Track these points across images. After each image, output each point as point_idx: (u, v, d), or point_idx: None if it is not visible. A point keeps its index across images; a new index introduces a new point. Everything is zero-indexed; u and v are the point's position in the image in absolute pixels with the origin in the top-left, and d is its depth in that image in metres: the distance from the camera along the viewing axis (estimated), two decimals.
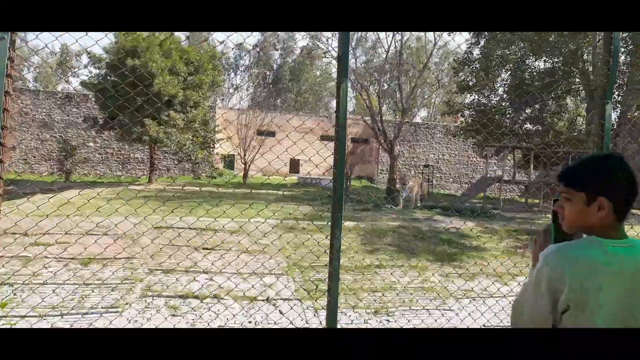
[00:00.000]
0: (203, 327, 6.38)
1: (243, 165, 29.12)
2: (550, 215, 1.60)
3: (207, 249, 9.45)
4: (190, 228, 10.01)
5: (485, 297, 8.84)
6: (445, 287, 8.54)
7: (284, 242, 9.95)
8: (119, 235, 9.85)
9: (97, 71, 22.59)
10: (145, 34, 19.64)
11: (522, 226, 13.70)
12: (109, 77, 21.78)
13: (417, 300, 8.23)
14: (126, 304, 7.03)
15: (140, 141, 21.85)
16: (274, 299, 8.38)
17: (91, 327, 6.07)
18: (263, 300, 7.48)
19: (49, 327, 5.92)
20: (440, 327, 6.81)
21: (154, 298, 7.61)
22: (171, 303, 7.24)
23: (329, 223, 2.58)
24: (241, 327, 6.49)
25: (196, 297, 7.71)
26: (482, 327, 6.75)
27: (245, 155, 28.47)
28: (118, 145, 33.08)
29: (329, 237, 2.75)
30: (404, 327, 6.59)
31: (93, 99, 26.78)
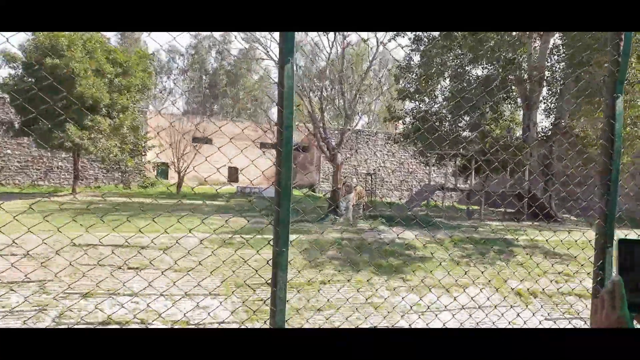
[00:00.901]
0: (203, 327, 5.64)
1: (177, 174, 27.93)
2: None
3: (132, 268, 8.66)
4: (112, 245, 9.16)
5: (435, 311, 8.62)
6: (395, 305, 8.25)
7: (220, 259, 9.31)
8: (29, 255, 8.85)
9: (13, 71, 20.85)
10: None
11: (466, 234, 13.77)
12: (25, 78, 20.14)
13: (366, 319, 7.88)
14: None
15: (62, 148, 20.34)
16: (210, 323, 7.74)
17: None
18: (195, 325, 6.87)
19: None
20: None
21: (69, 327, 6.79)
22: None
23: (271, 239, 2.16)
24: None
25: (118, 324, 6.96)
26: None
27: (179, 163, 27.27)
28: (39, 153, 30.89)
29: (266, 251, 2.41)
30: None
31: (8, 102, 24.78)
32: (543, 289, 9.70)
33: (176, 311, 7.45)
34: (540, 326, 8.12)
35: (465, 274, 8.61)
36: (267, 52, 21.27)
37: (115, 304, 7.59)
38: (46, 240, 8.86)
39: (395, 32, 20.72)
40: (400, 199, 35.94)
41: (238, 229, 12.13)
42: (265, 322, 7.49)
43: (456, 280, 9.66)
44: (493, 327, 7.22)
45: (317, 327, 7.27)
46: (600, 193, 2.20)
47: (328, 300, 8.18)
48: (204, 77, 63.64)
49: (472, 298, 7.28)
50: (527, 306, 9.32)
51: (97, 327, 6.78)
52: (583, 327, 8.62)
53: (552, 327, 8.58)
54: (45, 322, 6.71)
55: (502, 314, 8.77)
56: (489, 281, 10.17)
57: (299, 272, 9.48)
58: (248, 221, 14.57)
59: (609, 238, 2.16)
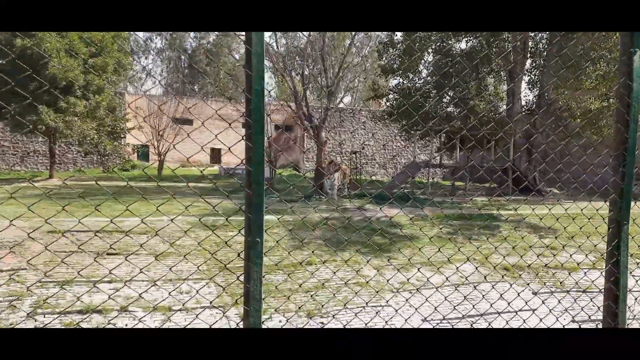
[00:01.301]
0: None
1: (158, 156, 27.43)
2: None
3: (112, 254, 8.39)
4: (90, 231, 8.89)
5: (422, 288, 8.53)
6: (388, 281, 8.12)
7: (203, 242, 9.09)
8: (1, 243, 8.57)
9: None
10: None
11: (451, 211, 13.71)
12: None
13: (352, 299, 7.75)
14: (10, 325, 5.95)
15: (36, 131, 19.74)
16: (193, 308, 7.56)
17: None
18: (180, 309, 6.66)
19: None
20: (388, 326, 6.34)
21: (46, 316, 6.55)
22: (67, 320, 6.25)
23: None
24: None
25: (99, 312, 6.74)
26: (438, 322, 6.37)
27: (159, 145, 26.74)
28: (15, 137, 30.12)
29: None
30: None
31: None
32: (534, 265, 9.69)
33: (158, 296, 7.25)
34: (529, 303, 8.09)
35: (459, 250, 8.51)
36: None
37: (96, 291, 7.35)
38: (21, 227, 8.55)
39: None
40: (383, 177, 35.91)
41: (221, 212, 11.90)
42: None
43: (448, 259, 9.59)
44: (491, 327, 7.12)
45: (303, 312, 7.13)
46: (614, 164, 1.99)
47: (314, 277, 8.03)
48: (182, 57, 62.47)
49: (458, 268, 7.19)
50: (513, 282, 9.29)
51: (77, 318, 6.55)
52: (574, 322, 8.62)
53: (542, 301, 8.56)
54: (21, 311, 6.47)
55: (491, 289, 8.73)
56: (471, 256, 10.13)
57: (283, 253, 9.31)
58: (234, 202, 14.34)
59: (625, 214, 1.96)
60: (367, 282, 8.53)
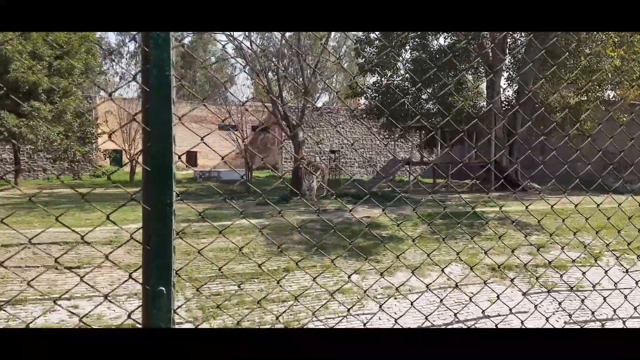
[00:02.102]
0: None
1: (130, 162, 26.51)
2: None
3: (71, 268, 7.74)
4: (48, 243, 8.23)
5: (408, 293, 8.09)
6: (365, 289, 7.65)
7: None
8: None
9: None
10: None
11: (434, 209, 13.31)
12: None
13: (333, 308, 7.27)
14: None
15: None
16: None
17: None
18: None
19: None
20: None
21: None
22: None
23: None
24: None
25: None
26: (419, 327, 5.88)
27: (131, 149, 25.84)
28: None
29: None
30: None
31: None
32: (520, 265, 9.32)
33: (121, 313, 6.65)
34: (521, 304, 7.71)
35: (456, 249, 8.10)
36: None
37: (50, 309, 6.71)
38: None
39: None
40: (363, 176, 35.53)
41: (194, 217, 11.32)
42: (223, 319, 6.78)
43: (434, 260, 9.15)
44: (488, 327, 6.74)
45: (274, 324, 6.61)
46: None
47: (292, 286, 7.53)
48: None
49: (442, 270, 6.75)
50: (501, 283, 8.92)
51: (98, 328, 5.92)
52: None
53: (531, 302, 8.18)
54: None
55: (480, 291, 8.34)
56: (457, 255, 9.71)
57: (259, 260, 8.77)
58: (208, 206, 13.70)
59: None
60: (350, 287, 8.06)
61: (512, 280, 6.24)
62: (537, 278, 9.01)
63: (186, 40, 59.14)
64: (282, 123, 19.91)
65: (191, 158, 38.47)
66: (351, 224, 11.43)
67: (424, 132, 23.09)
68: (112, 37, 75.87)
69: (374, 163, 37.64)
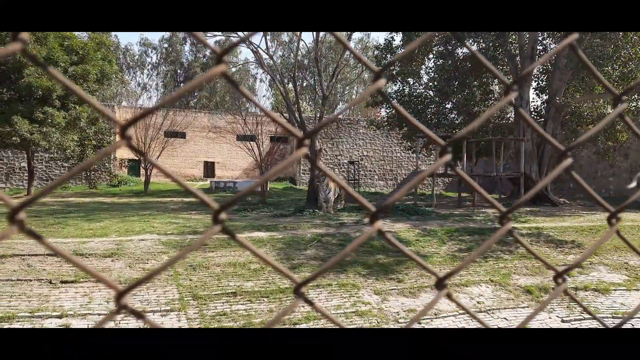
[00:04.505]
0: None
1: (145, 171, 26.20)
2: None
3: (66, 282, 7.18)
4: (43, 255, 7.69)
5: (433, 317, 7.34)
6: (384, 311, 6.94)
7: (177, 265, 7.87)
8: None
9: None
10: None
11: (461, 224, 12.51)
12: None
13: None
14: None
15: (10, 145, 18.57)
16: None
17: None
18: None
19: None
20: None
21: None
22: None
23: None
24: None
25: None
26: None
27: (145, 159, 25.59)
28: (0, 154, 29.07)
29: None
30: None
31: None
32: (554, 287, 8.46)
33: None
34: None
35: (487, 269, 7.36)
36: (247, 43, 19.62)
37: (40, 327, 6.12)
38: None
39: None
40: (382, 189, 34.74)
41: (202, 229, 10.74)
42: None
43: (462, 280, 8.38)
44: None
45: None
46: None
47: (305, 307, 6.85)
48: (178, 70, 61.71)
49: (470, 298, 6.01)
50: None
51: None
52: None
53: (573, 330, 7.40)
54: None
55: (514, 316, 7.53)
56: (488, 277, 8.90)
57: (269, 276, 8.11)
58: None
59: None
60: (370, 310, 7.34)
61: (546, 302, 5.48)
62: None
63: (207, 52, 59.38)
64: (294, 131, 19.31)
65: (209, 168, 38.19)
66: (371, 238, 10.73)
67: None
68: (135, 48, 76.80)
69: (394, 176, 36.83)
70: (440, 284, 0.85)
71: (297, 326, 6.54)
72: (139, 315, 0.77)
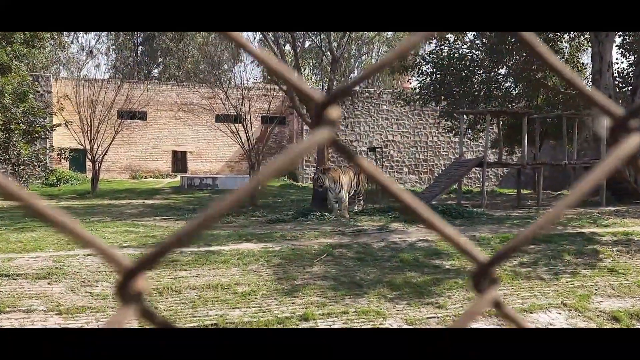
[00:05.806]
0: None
1: (92, 164, 26.23)
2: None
3: None
4: None
5: None
6: None
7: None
8: None
9: None
10: None
11: (521, 230, 12.51)
12: None
13: None
14: None
15: None
16: None
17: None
18: None
19: None
20: None
21: None
22: None
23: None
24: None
25: None
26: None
27: (94, 149, 25.49)
28: None
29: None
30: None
31: None
32: None
33: None
34: None
35: (558, 289, 7.34)
36: None
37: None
38: None
39: None
40: (415, 185, 34.85)
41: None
42: None
43: (523, 305, 8.40)
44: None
45: None
46: None
47: None
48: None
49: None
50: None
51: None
52: None
53: None
54: None
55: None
56: (562, 301, 8.93)
57: (263, 302, 8.16)
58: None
59: None
60: None
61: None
62: None
63: None
64: (301, 110, 19.41)
65: (180, 160, 38.21)
66: (399, 250, 10.79)
67: (502, 121, 22.24)
68: None
69: (430, 167, 36.91)
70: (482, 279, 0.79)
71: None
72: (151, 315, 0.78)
